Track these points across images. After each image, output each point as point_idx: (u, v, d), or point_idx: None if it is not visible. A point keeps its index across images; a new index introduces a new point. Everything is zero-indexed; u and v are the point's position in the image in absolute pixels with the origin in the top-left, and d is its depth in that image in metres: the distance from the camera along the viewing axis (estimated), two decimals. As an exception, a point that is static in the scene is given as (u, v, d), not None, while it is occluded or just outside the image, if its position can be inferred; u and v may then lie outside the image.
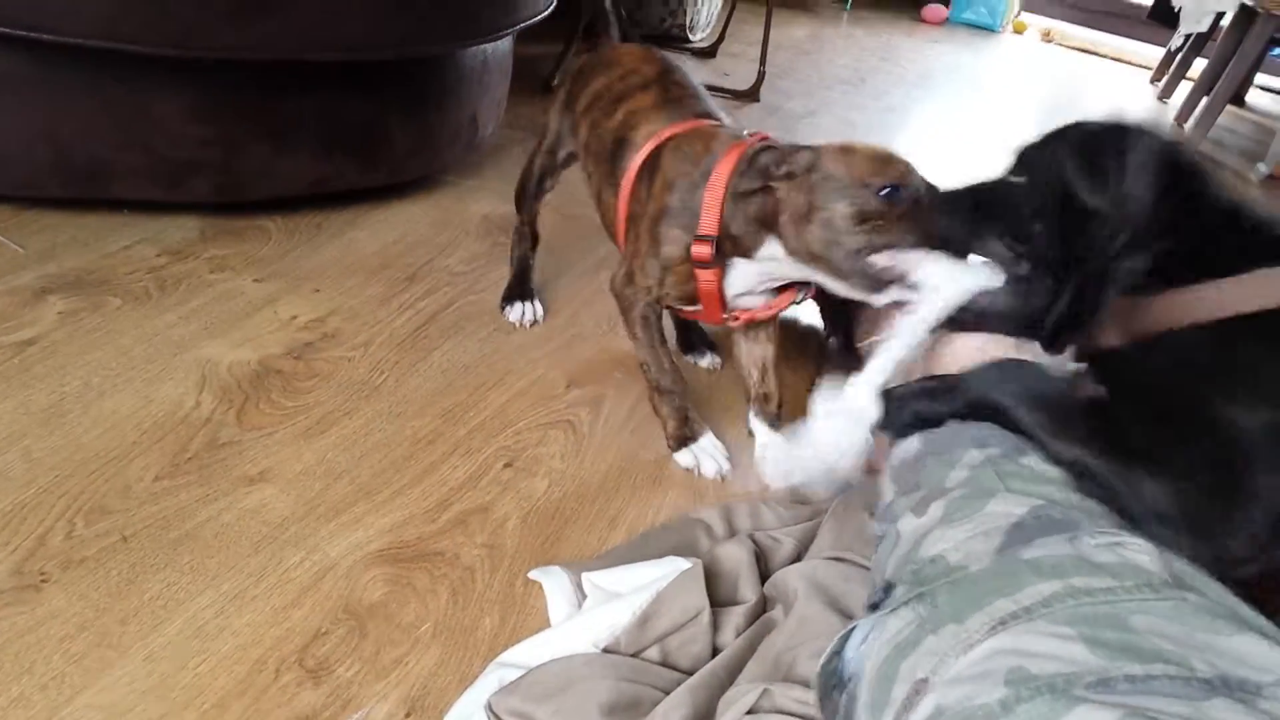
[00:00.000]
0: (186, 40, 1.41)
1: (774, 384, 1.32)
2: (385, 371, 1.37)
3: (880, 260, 1.04)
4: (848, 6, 5.11)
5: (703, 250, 1.16)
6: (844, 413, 1.01)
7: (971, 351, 1.00)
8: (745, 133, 1.22)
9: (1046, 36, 5.55)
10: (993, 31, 5.37)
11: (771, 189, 1.09)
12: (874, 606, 0.78)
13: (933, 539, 0.77)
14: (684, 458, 1.30)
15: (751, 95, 3.11)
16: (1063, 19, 5.74)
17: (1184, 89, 4.25)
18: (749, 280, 1.20)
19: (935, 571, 0.74)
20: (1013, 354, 0.97)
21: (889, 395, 0.98)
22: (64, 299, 1.38)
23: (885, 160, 1.06)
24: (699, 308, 1.25)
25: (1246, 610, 0.67)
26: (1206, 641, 0.62)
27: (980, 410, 0.91)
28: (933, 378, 0.98)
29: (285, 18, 1.46)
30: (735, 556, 1.06)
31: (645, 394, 1.37)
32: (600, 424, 1.36)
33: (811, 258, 1.09)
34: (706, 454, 1.30)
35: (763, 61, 3.12)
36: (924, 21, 5.26)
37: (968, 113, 3.62)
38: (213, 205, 1.68)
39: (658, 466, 1.30)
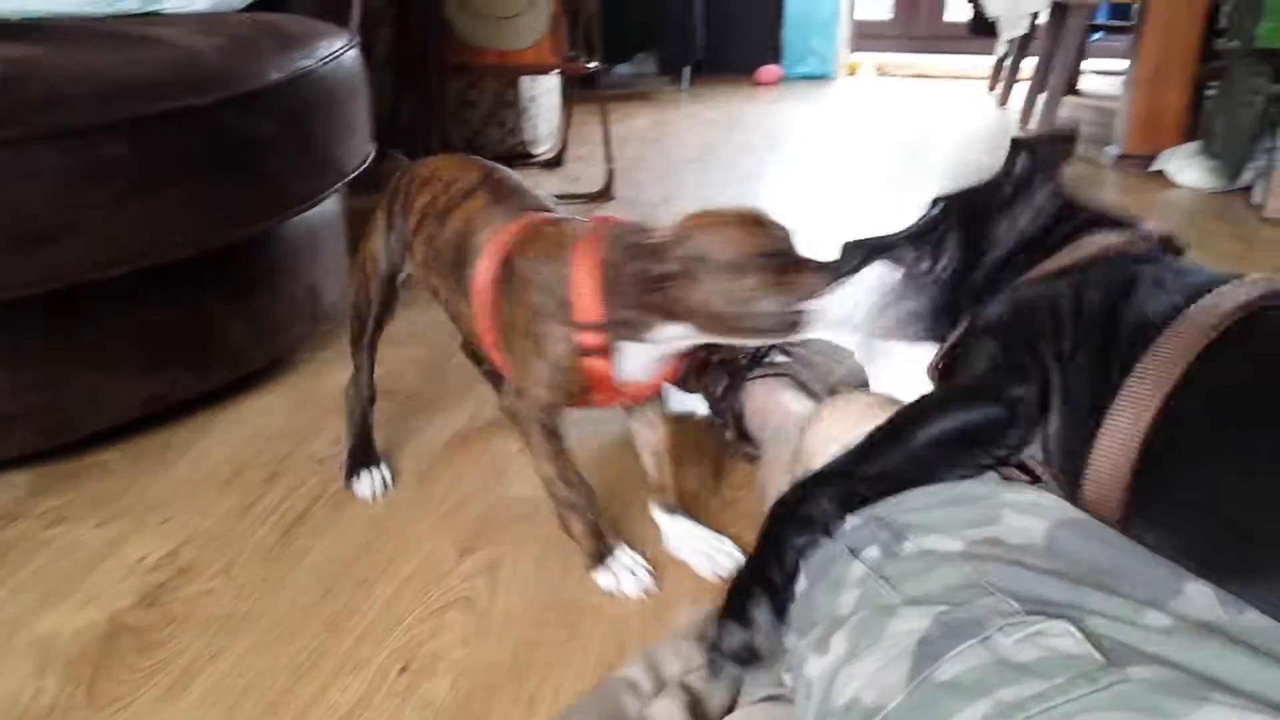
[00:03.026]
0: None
1: (669, 473, 1.32)
2: (252, 595, 1.23)
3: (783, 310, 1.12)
4: (684, 87, 5.17)
5: (596, 339, 1.15)
6: None
7: (849, 428, 0.93)
8: (588, 221, 1.22)
9: (881, 71, 5.70)
10: (828, 79, 5.49)
11: (660, 288, 1.10)
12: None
13: (843, 680, 0.66)
14: (604, 579, 1.24)
15: (605, 195, 3.07)
16: (891, 50, 5.91)
17: (1020, 90, 4.36)
18: (641, 360, 1.19)
19: None
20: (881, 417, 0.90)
21: (742, 603, 0.87)
22: (-128, 606, 1.22)
23: (750, 227, 1.09)
24: (587, 396, 1.23)
25: (1206, 659, 0.57)
26: None
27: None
28: (756, 550, 0.89)
29: (68, 242, 1.34)
30: (667, 717, 0.94)
31: (545, 540, 1.29)
32: (500, 591, 1.24)
33: (727, 331, 1.13)
34: (625, 570, 1.24)
35: (608, 159, 3.09)
36: (760, 84, 5.35)
37: (820, 163, 3.64)
38: (46, 451, 1.53)
39: (570, 624, 1.17)
